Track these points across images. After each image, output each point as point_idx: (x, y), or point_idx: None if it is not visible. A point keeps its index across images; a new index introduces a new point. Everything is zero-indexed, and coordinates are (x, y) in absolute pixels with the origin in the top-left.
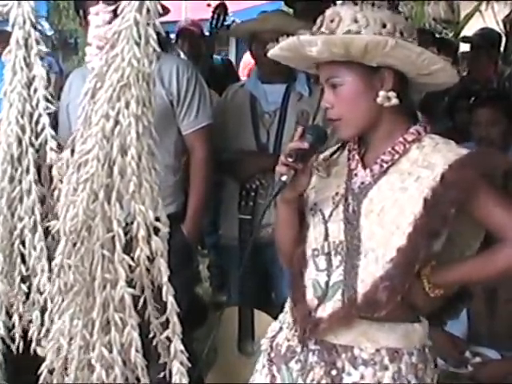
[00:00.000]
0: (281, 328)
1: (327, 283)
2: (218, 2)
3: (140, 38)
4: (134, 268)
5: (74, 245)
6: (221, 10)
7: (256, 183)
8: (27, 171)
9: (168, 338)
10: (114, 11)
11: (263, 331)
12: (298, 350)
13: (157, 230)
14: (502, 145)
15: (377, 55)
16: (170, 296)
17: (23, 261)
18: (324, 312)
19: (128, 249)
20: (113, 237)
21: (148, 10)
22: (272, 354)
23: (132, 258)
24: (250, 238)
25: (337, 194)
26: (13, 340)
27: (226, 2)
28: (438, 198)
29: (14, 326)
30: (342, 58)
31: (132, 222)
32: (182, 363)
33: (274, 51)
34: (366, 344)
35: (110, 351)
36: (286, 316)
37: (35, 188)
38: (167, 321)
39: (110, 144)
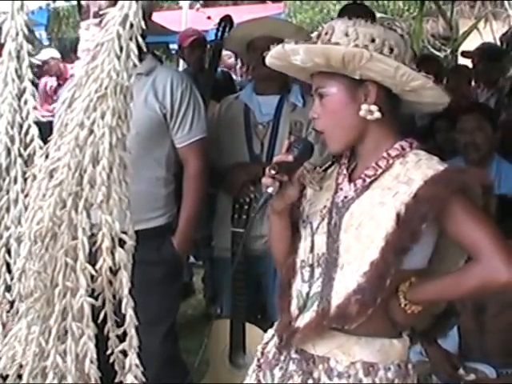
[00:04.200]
0: (273, 335)
1: (308, 294)
2: (223, 14)
3: (121, 51)
4: (95, 278)
5: (38, 250)
6: (226, 21)
7: (249, 196)
8: (15, 181)
9: (124, 352)
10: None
11: (254, 344)
12: (282, 357)
13: (123, 243)
14: (487, 151)
15: (356, 67)
16: (130, 309)
17: (8, 270)
18: (301, 322)
19: (92, 259)
20: (77, 245)
21: (131, 25)
22: (261, 360)
23: (95, 269)
24: (242, 249)
25: (324, 207)
26: None
27: (231, 14)
28: (410, 213)
29: None
30: (327, 69)
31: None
32: (136, 377)
33: (268, 60)
34: (341, 357)
35: (65, 360)
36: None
37: (22, 198)
38: (124, 334)
39: (83, 153)
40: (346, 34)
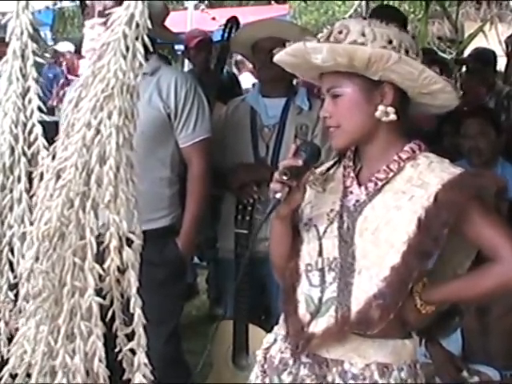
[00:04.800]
0: (275, 340)
1: (320, 299)
2: (228, 16)
3: (127, 51)
4: (103, 277)
5: (46, 250)
6: (233, 23)
7: (253, 198)
8: (18, 180)
9: (132, 350)
10: (105, 23)
11: (258, 345)
12: (291, 362)
13: (131, 242)
14: (490, 156)
15: (379, 69)
16: (138, 308)
17: (11, 269)
18: (316, 327)
19: (100, 259)
20: (85, 245)
21: (137, 25)
22: (265, 366)
23: (103, 268)
24: (246, 252)
25: (332, 210)
26: None
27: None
28: (431, 218)
29: None
30: (346, 69)
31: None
32: (144, 376)
33: (280, 56)
34: (355, 359)
35: (74, 359)
36: (280, 328)
37: (26, 197)
38: (133, 333)
39: (90, 153)
40: (363, 34)
